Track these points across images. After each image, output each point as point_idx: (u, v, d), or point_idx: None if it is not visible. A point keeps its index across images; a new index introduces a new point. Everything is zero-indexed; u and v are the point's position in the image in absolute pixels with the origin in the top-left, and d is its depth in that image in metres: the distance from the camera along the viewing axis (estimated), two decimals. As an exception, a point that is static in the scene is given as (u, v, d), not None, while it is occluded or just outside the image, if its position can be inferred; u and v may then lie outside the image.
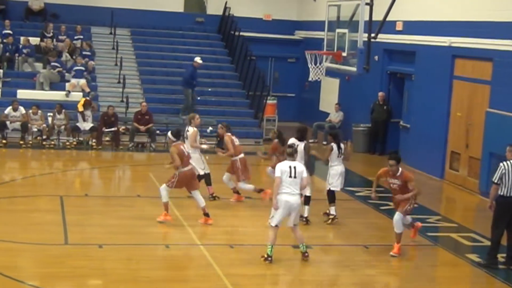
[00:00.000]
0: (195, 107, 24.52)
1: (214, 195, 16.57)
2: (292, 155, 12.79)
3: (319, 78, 21.61)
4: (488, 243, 13.51)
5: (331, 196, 15.39)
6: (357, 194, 18.20)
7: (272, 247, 12.56)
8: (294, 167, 12.53)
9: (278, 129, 18.07)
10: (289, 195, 12.42)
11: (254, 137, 24.91)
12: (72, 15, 28.24)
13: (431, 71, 21.09)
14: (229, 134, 16.56)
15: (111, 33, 28.30)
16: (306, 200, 14.84)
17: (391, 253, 13.31)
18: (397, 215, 13.47)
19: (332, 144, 15.45)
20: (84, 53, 26.39)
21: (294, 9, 30.80)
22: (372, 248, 13.87)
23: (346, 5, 20.51)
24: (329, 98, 27.49)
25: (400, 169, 13.47)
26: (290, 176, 12.46)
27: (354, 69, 19.50)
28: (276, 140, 16.29)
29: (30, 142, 22.17)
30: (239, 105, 26.67)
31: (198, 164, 16.13)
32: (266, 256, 12.57)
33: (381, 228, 15.54)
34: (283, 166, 12.56)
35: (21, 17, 28.06)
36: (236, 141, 16.54)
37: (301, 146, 14.72)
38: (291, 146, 13.32)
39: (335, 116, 25.96)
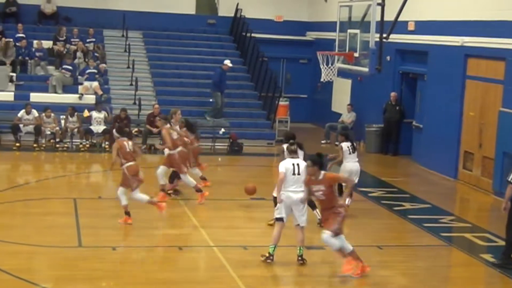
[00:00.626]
0: (223, 110, 24.64)
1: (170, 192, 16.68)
2: (295, 152, 12.72)
3: (331, 79, 21.58)
4: (503, 243, 13.44)
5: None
6: (370, 194, 18.15)
7: (275, 247, 12.51)
8: (298, 164, 12.43)
9: (185, 118, 17.86)
10: (293, 193, 12.36)
11: (266, 138, 24.88)
12: (85, 18, 28.33)
13: (444, 71, 21.02)
14: (168, 127, 16.38)
15: (123, 36, 28.34)
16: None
17: (343, 274, 11.97)
18: (324, 235, 11.86)
19: (342, 143, 15.55)
20: (96, 55, 26.48)
21: (305, 10, 30.77)
22: (385, 248, 13.82)
23: (358, 5, 20.47)
24: (341, 98, 27.45)
25: (322, 172, 12.07)
26: (294, 174, 12.35)
27: (366, 69, 19.46)
28: (184, 129, 16.39)
29: (43, 145, 22.24)
30: (251, 106, 26.64)
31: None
32: (267, 255, 12.51)
33: (394, 228, 15.50)
34: (287, 164, 12.45)
35: (33, 21, 28.14)
36: (174, 135, 16.35)
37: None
38: (293, 143, 13.00)
39: (348, 117, 25.91)
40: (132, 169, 14.50)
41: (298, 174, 12.35)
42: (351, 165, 15.64)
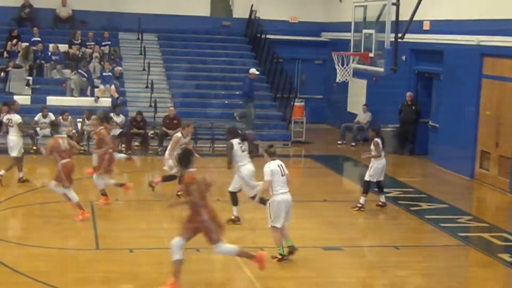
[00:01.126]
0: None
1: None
2: (275, 154, 12.82)
3: (346, 79, 21.56)
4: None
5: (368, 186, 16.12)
6: (387, 195, 18.05)
7: (282, 247, 12.59)
8: (282, 165, 12.64)
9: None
10: (284, 194, 12.53)
11: (282, 139, 24.84)
12: (100, 21, 28.43)
13: (460, 70, 20.93)
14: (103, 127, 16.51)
15: (138, 39, 28.42)
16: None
17: None
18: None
19: (376, 139, 16.17)
20: (112, 58, 26.58)
21: (320, 11, 30.69)
22: (402, 248, 13.77)
23: (373, 5, 20.44)
24: (357, 99, 27.40)
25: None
26: (282, 175, 12.53)
27: (381, 69, 19.43)
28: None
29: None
30: (267, 107, 26.64)
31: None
32: (280, 257, 12.56)
33: (411, 229, 15.46)
34: (273, 167, 12.55)
35: (49, 25, 28.25)
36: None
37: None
38: (272, 145, 13.20)
39: (363, 117, 25.86)
40: (67, 167, 14.72)
41: (284, 174, 12.56)
42: (382, 161, 16.22)
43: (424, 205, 17.23)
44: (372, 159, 16.26)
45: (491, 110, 19.70)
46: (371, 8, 20.41)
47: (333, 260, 13.02)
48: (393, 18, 19.31)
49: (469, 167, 20.39)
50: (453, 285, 12.19)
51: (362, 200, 16.04)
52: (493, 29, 19.31)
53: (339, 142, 25.69)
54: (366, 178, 16.27)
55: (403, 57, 22.80)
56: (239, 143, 14.76)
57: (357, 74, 22.07)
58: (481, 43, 19.87)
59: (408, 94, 23.75)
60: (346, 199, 15.70)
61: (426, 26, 22.59)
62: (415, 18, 20.05)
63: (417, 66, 24.00)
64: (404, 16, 19.78)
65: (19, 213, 15.52)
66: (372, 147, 16.44)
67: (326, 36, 30.51)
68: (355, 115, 26.65)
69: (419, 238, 14.92)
